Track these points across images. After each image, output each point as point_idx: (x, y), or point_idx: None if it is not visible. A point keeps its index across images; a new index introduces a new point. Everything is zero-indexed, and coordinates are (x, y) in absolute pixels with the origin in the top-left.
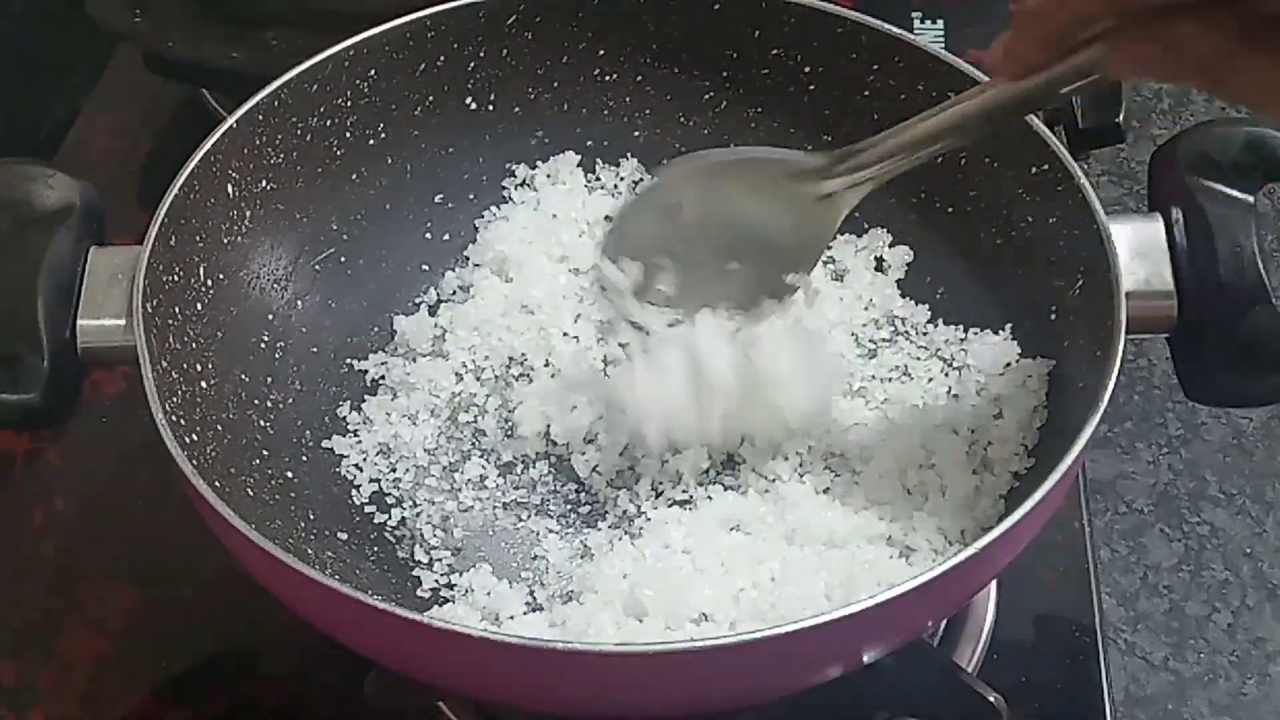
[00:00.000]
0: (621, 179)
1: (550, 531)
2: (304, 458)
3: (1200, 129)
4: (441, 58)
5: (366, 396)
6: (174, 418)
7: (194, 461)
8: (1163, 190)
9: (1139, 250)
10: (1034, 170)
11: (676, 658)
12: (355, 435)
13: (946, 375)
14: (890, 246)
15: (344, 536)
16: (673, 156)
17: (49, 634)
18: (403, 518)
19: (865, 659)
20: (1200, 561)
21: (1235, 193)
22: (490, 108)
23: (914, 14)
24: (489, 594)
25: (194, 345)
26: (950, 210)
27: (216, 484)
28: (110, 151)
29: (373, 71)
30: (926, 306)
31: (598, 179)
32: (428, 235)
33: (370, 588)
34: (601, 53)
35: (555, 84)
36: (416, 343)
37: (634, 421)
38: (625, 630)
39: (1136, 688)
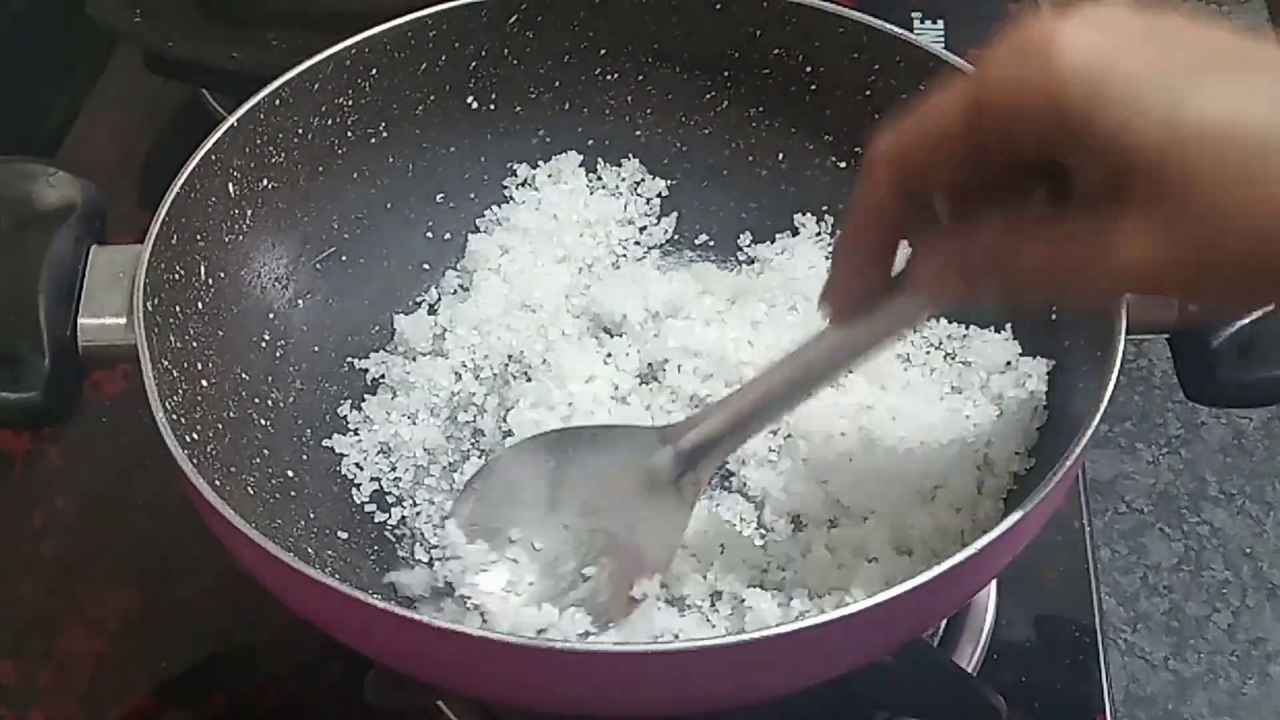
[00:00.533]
0: (623, 179)
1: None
2: (304, 456)
3: None
4: (443, 57)
5: (367, 395)
6: (174, 416)
7: (194, 460)
8: None
9: None
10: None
11: (676, 658)
12: (355, 434)
13: (950, 366)
14: None
15: (344, 535)
16: (675, 156)
17: (49, 634)
18: (403, 517)
19: (865, 659)
20: (1200, 561)
21: None
22: (492, 107)
23: (914, 14)
24: (490, 593)
25: (195, 344)
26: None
27: (217, 483)
28: (110, 151)
29: (374, 71)
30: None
31: (599, 179)
32: (429, 235)
33: (370, 587)
34: (603, 52)
35: (557, 83)
36: (416, 342)
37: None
38: (624, 630)
39: (1136, 688)
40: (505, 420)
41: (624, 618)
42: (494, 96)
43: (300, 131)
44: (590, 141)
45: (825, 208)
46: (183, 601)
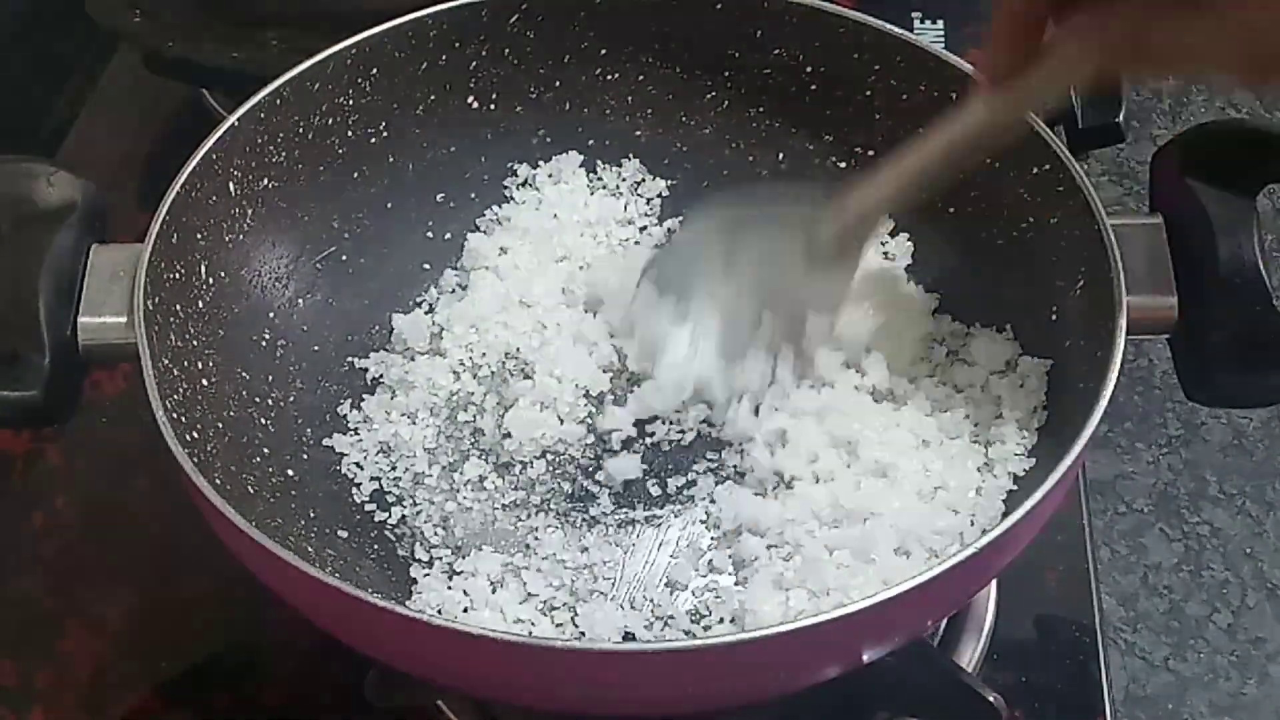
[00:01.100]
0: (623, 179)
1: (550, 530)
2: (304, 456)
3: (1201, 129)
4: (443, 56)
5: (367, 395)
6: (175, 415)
7: (194, 459)
8: (1164, 191)
9: (1140, 251)
10: (1034, 170)
11: (676, 657)
12: (356, 433)
13: (950, 365)
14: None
15: (344, 534)
16: (675, 156)
17: (49, 634)
18: (403, 516)
19: (865, 659)
20: (1200, 561)
21: (1236, 193)
22: (492, 107)
23: (914, 14)
24: (490, 592)
25: (195, 343)
26: (951, 211)
27: (217, 481)
28: (110, 151)
29: (374, 70)
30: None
31: (599, 179)
32: (429, 234)
33: (370, 586)
34: (604, 52)
35: (557, 83)
36: (414, 341)
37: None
38: (625, 629)
39: (1136, 688)
40: (504, 419)
41: (798, 355)
42: (494, 96)
43: (301, 131)
44: (590, 141)
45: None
46: (183, 601)
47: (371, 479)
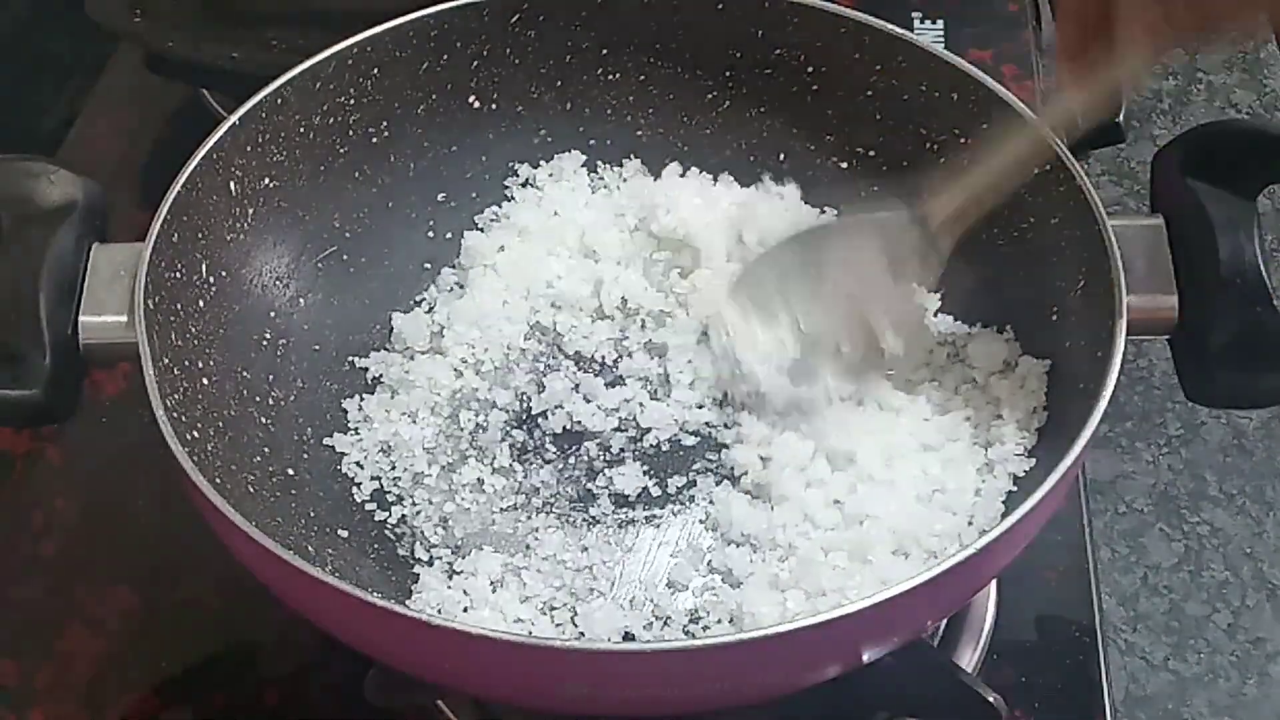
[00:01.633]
0: (624, 179)
1: (550, 530)
2: (305, 455)
3: (1202, 130)
4: (444, 56)
5: (367, 394)
6: (175, 415)
7: (194, 458)
8: (1164, 191)
9: (1140, 251)
10: (1035, 171)
11: (676, 657)
12: (356, 433)
13: (952, 364)
14: None
15: (344, 534)
16: (676, 156)
17: (49, 634)
18: (403, 515)
19: (865, 659)
20: (1200, 561)
21: (1237, 194)
22: (493, 106)
23: (914, 14)
24: (490, 592)
25: (195, 342)
26: None
27: (217, 481)
28: (110, 151)
29: (375, 70)
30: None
31: (600, 179)
32: (430, 234)
33: (370, 585)
34: (605, 52)
35: (558, 83)
36: (414, 340)
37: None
38: (625, 629)
39: (1136, 688)
40: (506, 418)
41: (878, 377)
42: (495, 96)
43: (302, 130)
44: (591, 141)
45: (827, 207)
46: (183, 601)
47: (372, 478)
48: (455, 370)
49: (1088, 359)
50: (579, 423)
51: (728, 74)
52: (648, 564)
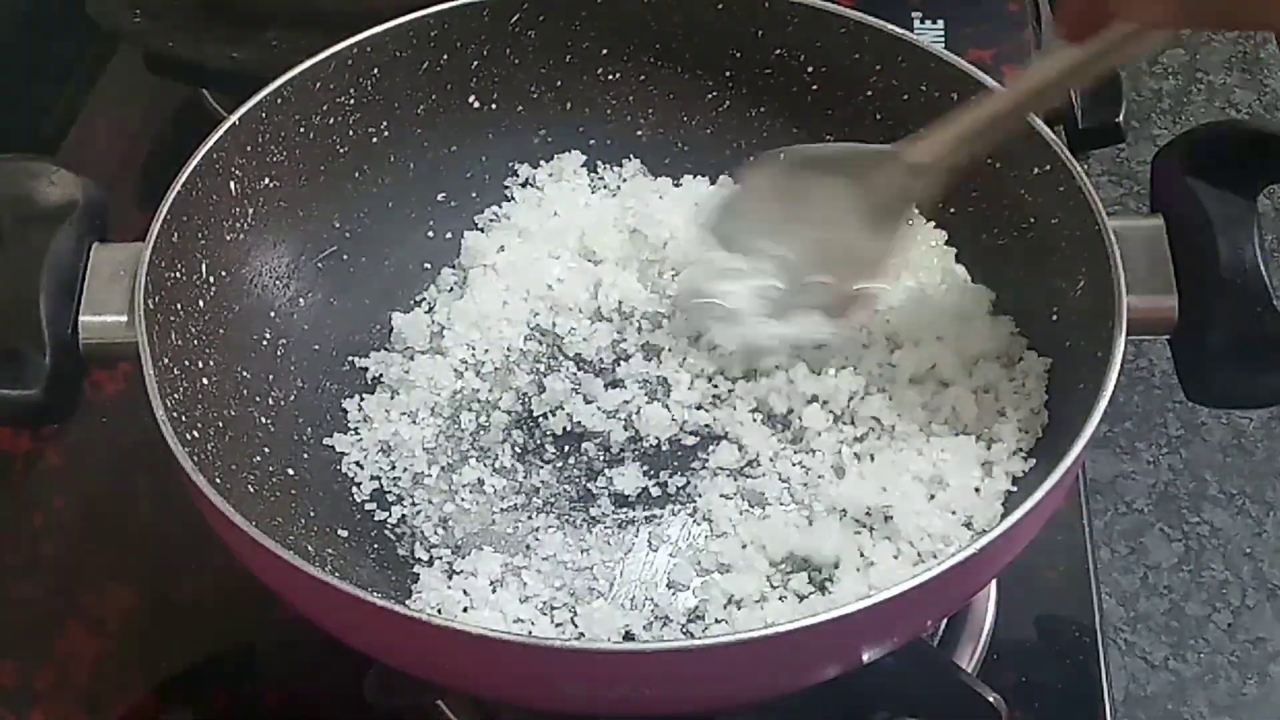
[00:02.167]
0: (624, 179)
1: (550, 530)
2: (305, 455)
3: (1202, 130)
4: (444, 56)
5: (367, 394)
6: (175, 414)
7: (194, 458)
8: (1164, 191)
9: (1140, 251)
10: (1035, 171)
11: (676, 657)
12: (356, 433)
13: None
14: None
15: (344, 534)
16: (676, 156)
17: (49, 634)
18: (403, 515)
19: (865, 659)
20: (1200, 561)
21: (1237, 194)
22: (493, 106)
23: (914, 14)
24: (490, 592)
25: (195, 342)
26: (952, 211)
27: (217, 481)
28: (111, 151)
29: (375, 70)
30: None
31: (600, 179)
32: (430, 234)
33: (370, 585)
34: (605, 52)
35: (558, 83)
36: (414, 340)
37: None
38: (625, 629)
39: (1136, 688)
40: (507, 419)
41: (849, 315)
42: (495, 96)
43: (302, 130)
44: (591, 141)
45: None
46: (183, 601)
47: (371, 478)
48: (455, 371)
49: (1088, 359)
50: (579, 423)
51: (728, 74)
52: (648, 564)
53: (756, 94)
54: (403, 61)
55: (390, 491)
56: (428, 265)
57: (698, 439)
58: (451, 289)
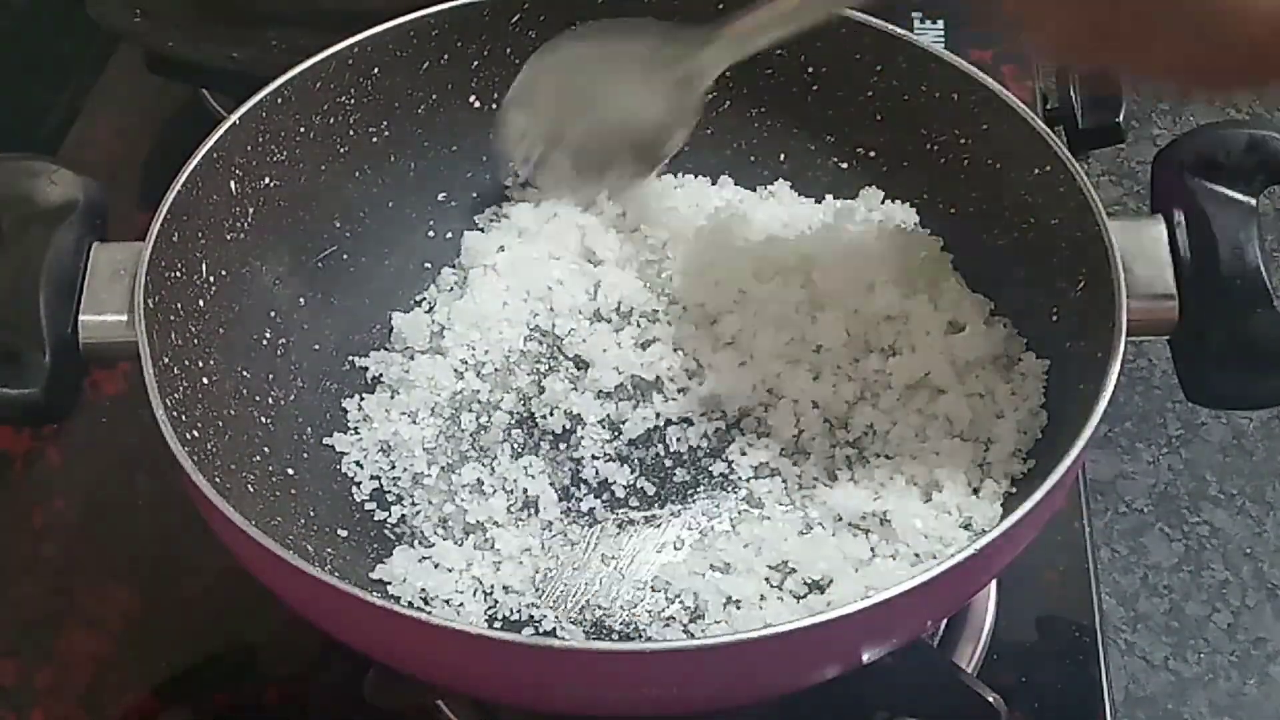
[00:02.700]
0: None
1: (550, 530)
2: (305, 455)
3: (1203, 131)
4: (445, 56)
5: (367, 394)
6: (175, 414)
7: (194, 458)
8: (1165, 192)
9: (1140, 252)
10: (1034, 171)
11: (675, 657)
12: (356, 432)
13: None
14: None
15: (344, 534)
16: (676, 156)
17: (49, 634)
18: (403, 515)
19: (865, 659)
20: (1200, 561)
21: (1237, 195)
22: (493, 106)
23: (914, 14)
24: (490, 591)
25: (195, 342)
26: (952, 211)
27: (217, 480)
28: (110, 152)
29: (375, 69)
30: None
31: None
32: (430, 234)
33: (370, 585)
34: None
35: None
36: (414, 340)
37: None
38: (625, 629)
39: (1136, 688)
40: (508, 420)
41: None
42: (496, 96)
43: (302, 130)
44: None
45: None
46: (183, 601)
47: (371, 478)
48: (455, 371)
49: (1088, 359)
50: (578, 424)
51: (727, 74)
52: (647, 564)
53: (756, 94)
54: (403, 61)
55: (390, 491)
56: (428, 265)
57: (697, 441)
58: (451, 289)
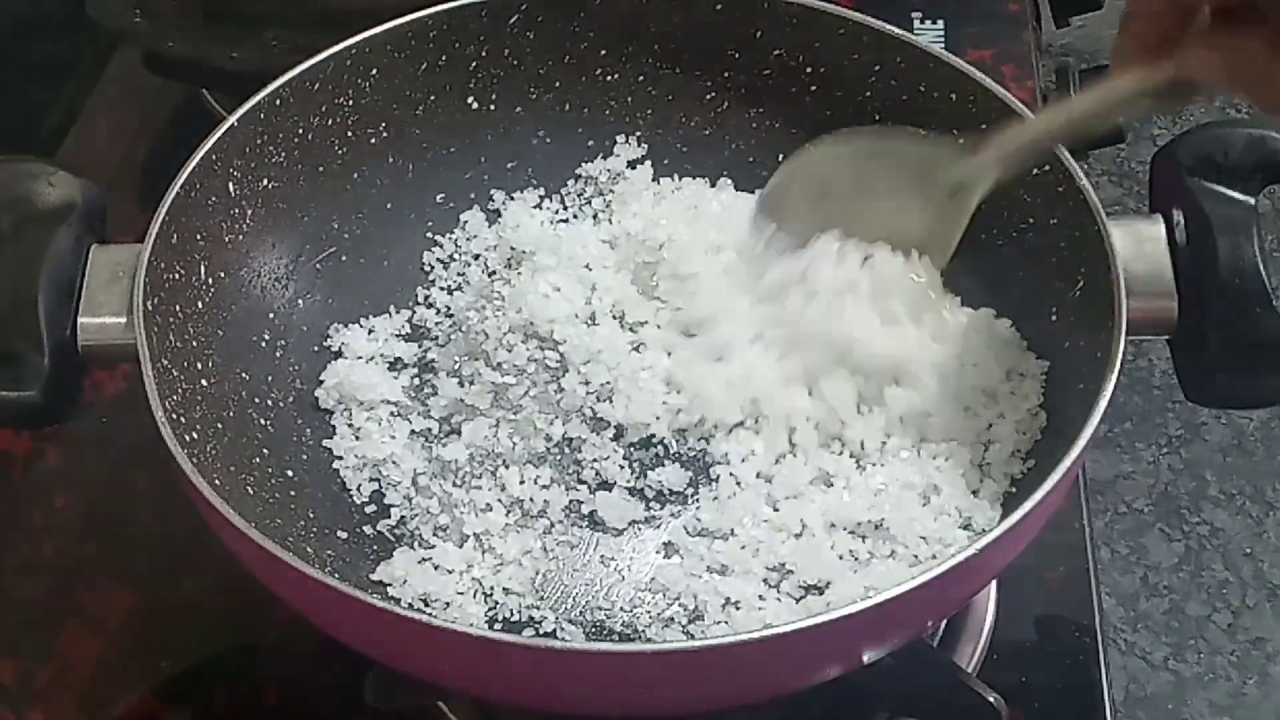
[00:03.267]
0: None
1: (549, 531)
2: (304, 456)
3: (1202, 131)
4: (443, 57)
5: None
6: (174, 416)
7: (194, 460)
8: (1164, 191)
9: (1140, 252)
10: (1034, 171)
11: (676, 657)
12: (355, 435)
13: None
14: None
15: (343, 535)
16: (675, 156)
17: (49, 634)
18: (402, 517)
19: (865, 659)
20: (1200, 561)
21: (1236, 194)
22: (492, 107)
23: (914, 14)
24: (490, 593)
25: (194, 343)
26: None
27: (216, 482)
28: (110, 152)
29: (374, 70)
30: None
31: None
32: (429, 234)
33: (369, 586)
34: (603, 53)
35: (557, 83)
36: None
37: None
38: (625, 629)
39: (1136, 688)
40: (508, 422)
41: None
42: (494, 97)
43: (300, 131)
44: (590, 142)
45: None
46: (183, 601)
47: (370, 480)
48: (454, 373)
49: (1088, 359)
50: (577, 427)
51: (726, 74)
52: (645, 566)
53: (755, 94)
54: (402, 62)
55: (389, 494)
56: (427, 266)
57: (696, 443)
58: (450, 290)
